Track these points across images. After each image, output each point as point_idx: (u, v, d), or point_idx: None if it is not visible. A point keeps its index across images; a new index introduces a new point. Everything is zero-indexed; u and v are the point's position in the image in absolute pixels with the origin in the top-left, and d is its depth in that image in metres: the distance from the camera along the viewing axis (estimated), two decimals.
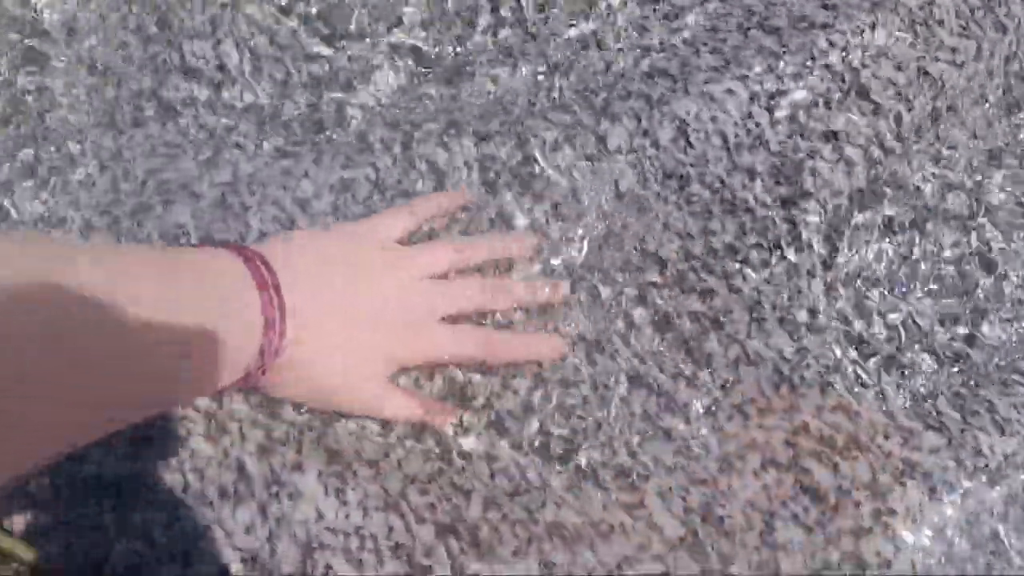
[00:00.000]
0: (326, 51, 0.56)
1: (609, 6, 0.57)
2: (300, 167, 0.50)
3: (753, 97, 0.51)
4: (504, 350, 0.44)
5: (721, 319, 0.47)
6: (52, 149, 0.53)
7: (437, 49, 0.57)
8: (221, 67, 0.53)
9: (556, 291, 0.46)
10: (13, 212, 0.50)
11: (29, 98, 0.56)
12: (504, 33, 0.57)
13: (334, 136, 0.53)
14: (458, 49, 0.56)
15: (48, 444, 0.30)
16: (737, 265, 0.49)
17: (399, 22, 0.57)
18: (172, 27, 0.55)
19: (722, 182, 0.51)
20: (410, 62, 0.56)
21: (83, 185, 0.52)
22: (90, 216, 0.51)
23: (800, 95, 0.51)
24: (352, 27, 0.56)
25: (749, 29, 0.54)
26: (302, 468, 0.42)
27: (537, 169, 0.50)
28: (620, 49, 0.56)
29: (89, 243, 0.46)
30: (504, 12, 0.58)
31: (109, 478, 0.40)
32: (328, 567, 0.40)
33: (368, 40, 0.56)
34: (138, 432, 0.41)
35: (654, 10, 0.57)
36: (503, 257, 0.46)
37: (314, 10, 0.56)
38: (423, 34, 0.57)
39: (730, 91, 0.51)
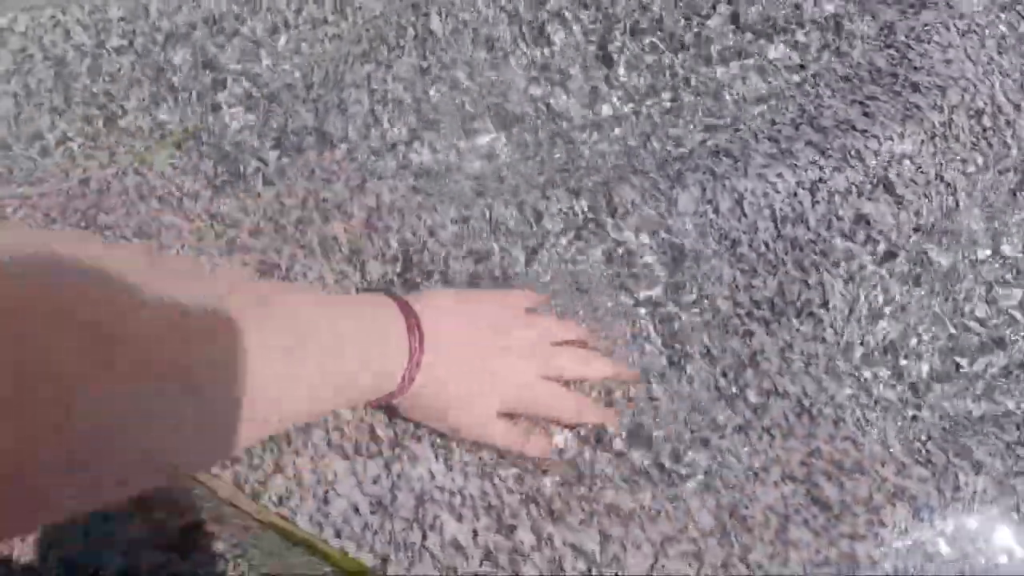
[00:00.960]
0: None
1: (688, 90, 0.70)
2: (430, 202, 0.63)
3: (799, 182, 0.63)
4: (587, 416, 0.55)
5: (757, 357, 0.59)
6: (231, 165, 0.66)
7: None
8: (372, 112, 0.66)
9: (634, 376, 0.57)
10: None
11: (211, 118, 0.69)
12: (605, 109, 0.69)
13: (457, 180, 0.65)
14: (563, 124, 0.69)
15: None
16: (774, 316, 0.60)
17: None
18: (335, 77, 0.68)
19: (767, 246, 0.62)
20: (526, 136, 0.69)
21: (250, 195, 0.65)
22: (258, 220, 0.63)
23: (838, 183, 0.63)
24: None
25: (800, 125, 0.66)
26: (419, 437, 0.54)
27: (615, 221, 0.62)
28: (693, 127, 0.69)
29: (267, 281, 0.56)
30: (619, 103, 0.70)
31: None
32: (436, 517, 0.51)
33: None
34: None
35: (728, 97, 0.69)
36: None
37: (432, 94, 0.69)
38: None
39: (781, 175, 0.63)
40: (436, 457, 0.54)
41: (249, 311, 0.34)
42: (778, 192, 0.63)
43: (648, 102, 0.70)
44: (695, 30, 0.72)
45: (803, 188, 0.63)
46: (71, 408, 0.25)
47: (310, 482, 0.52)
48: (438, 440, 0.54)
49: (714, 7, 0.73)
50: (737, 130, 0.68)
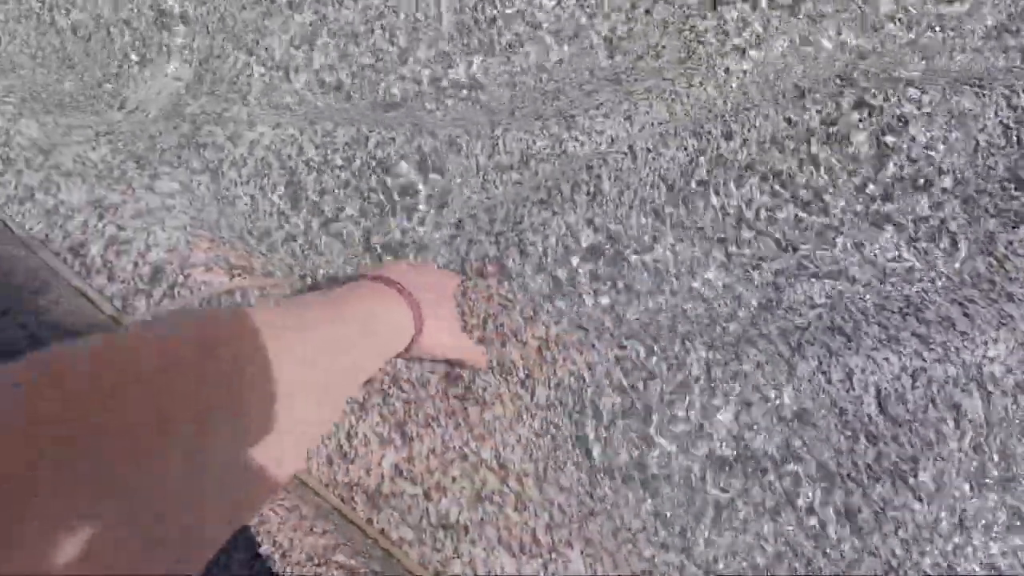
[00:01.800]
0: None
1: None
2: (588, 339, 0.75)
3: (903, 368, 0.74)
4: None
5: (856, 516, 0.69)
6: None
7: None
8: (546, 253, 0.80)
9: None
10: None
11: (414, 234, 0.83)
12: (735, 274, 0.82)
13: (593, 315, 0.78)
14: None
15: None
16: (870, 480, 0.71)
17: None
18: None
19: (870, 419, 0.73)
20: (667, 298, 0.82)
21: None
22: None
23: (937, 374, 0.73)
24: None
25: (907, 315, 0.77)
26: (570, 543, 0.65)
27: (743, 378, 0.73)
28: (810, 301, 0.81)
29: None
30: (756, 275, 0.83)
31: None
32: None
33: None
34: None
35: (843, 279, 0.81)
36: None
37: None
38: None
39: (887, 359, 0.74)
40: (586, 567, 0.65)
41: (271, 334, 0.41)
42: (884, 373, 0.74)
43: (772, 271, 0.83)
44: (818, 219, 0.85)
45: (906, 373, 0.74)
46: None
47: (482, 571, 0.63)
48: (586, 549, 0.65)
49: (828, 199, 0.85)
50: (849, 310, 0.79)
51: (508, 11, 0.98)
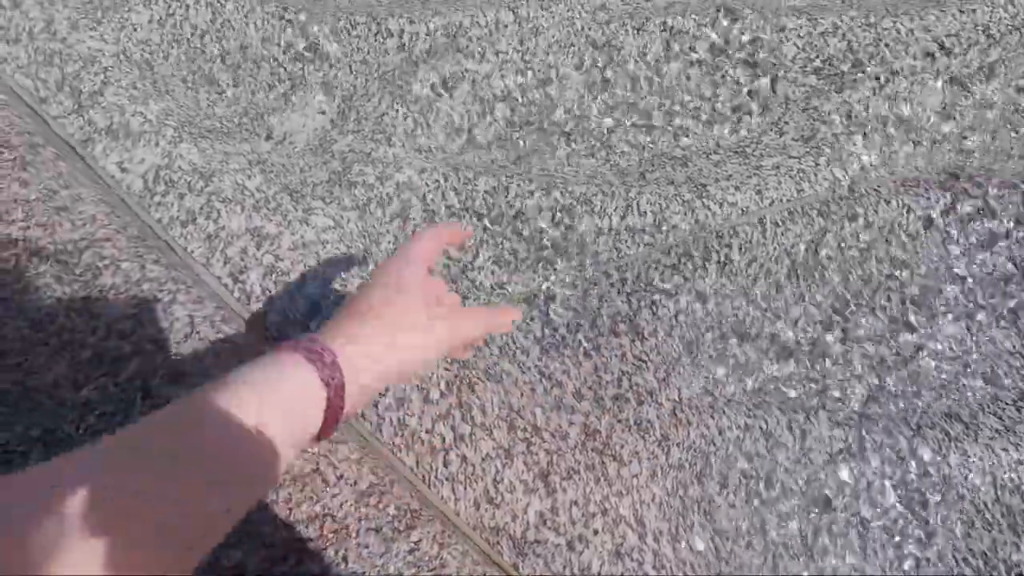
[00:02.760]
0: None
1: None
2: (718, 404, 0.78)
3: (1020, 460, 0.77)
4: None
5: None
6: (554, 331, 0.83)
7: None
8: (676, 318, 0.83)
9: None
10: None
11: (544, 286, 0.87)
12: (857, 356, 0.86)
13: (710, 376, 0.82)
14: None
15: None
16: (987, 568, 0.73)
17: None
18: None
19: (986, 506, 0.76)
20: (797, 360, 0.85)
21: (573, 362, 0.82)
22: (579, 386, 0.80)
23: None
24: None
25: (1022, 408, 0.81)
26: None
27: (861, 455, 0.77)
28: (928, 387, 0.84)
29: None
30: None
31: None
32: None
33: None
34: None
35: (963, 368, 0.85)
36: None
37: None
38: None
39: (1006, 449, 0.77)
40: None
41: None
42: (1002, 464, 0.77)
43: (889, 348, 0.86)
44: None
45: (1022, 465, 0.77)
46: None
47: None
48: None
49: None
50: (965, 398, 0.83)
51: (637, 88, 1.02)
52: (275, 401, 0.44)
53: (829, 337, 0.86)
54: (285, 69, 1.04)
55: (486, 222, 0.90)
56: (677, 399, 0.79)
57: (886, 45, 1.04)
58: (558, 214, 0.90)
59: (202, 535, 0.39)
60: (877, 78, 1.02)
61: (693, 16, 1.07)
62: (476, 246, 0.89)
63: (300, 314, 0.78)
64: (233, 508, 0.40)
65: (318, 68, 1.03)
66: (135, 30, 1.01)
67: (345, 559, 0.57)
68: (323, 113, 0.99)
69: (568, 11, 1.07)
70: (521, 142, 0.99)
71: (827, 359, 0.85)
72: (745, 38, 1.06)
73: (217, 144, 0.92)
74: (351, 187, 0.89)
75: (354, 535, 0.58)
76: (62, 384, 0.62)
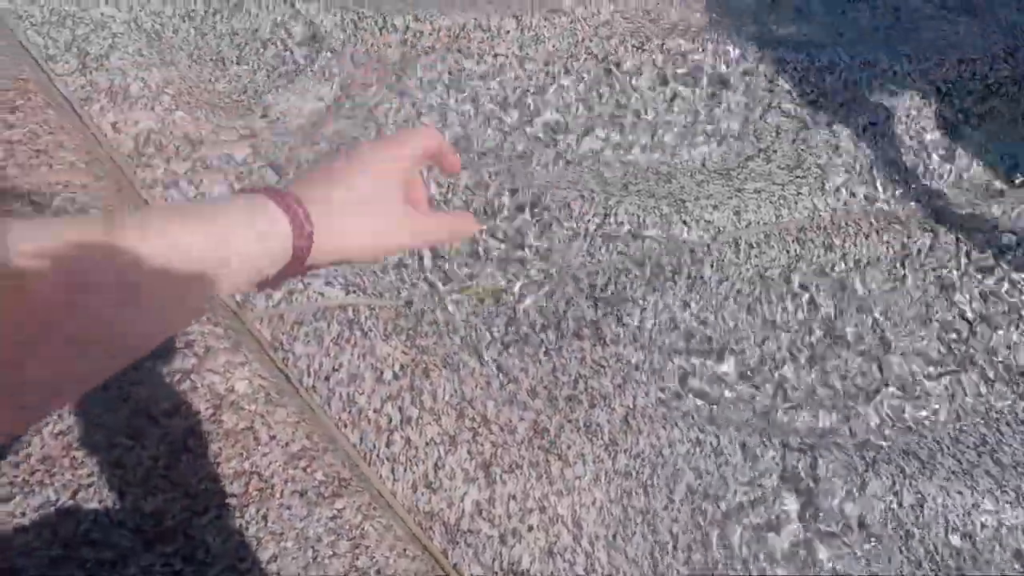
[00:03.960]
0: None
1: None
2: (672, 416, 0.78)
3: (975, 504, 0.75)
4: None
5: None
6: (518, 328, 0.83)
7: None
8: (643, 325, 0.83)
9: None
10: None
11: (516, 287, 0.87)
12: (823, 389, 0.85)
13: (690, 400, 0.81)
14: None
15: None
16: None
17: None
18: None
19: (936, 549, 0.74)
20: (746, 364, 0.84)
21: (533, 360, 0.82)
22: (535, 385, 0.79)
23: (1007, 518, 0.75)
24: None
25: (983, 453, 0.79)
26: None
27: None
28: (891, 425, 0.83)
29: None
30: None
31: None
32: None
33: None
34: None
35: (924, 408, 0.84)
36: None
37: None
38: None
39: (960, 492, 0.76)
40: None
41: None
42: (955, 506, 0.75)
43: (856, 385, 0.85)
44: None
45: (976, 510, 0.75)
46: None
47: None
48: None
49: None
50: (924, 437, 0.81)
51: (631, 103, 1.04)
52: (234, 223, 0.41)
53: (793, 365, 0.85)
54: (292, 53, 1.07)
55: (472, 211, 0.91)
56: (631, 406, 0.78)
57: (880, 85, 1.05)
58: (536, 215, 0.91)
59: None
60: (873, 123, 1.03)
61: (692, 40, 1.08)
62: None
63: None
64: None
65: (321, 55, 1.06)
66: (149, 1, 1.04)
67: (265, 518, 0.57)
68: (321, 100, 1.02)
69: (571, 23, 1.09)
70: (509, 144, 1.00)
71: (788, 386, 0.84)
72: (740, 69, 1.08)
73: (212, 116, 0.94)
74: None
75: (278, 495, 0.58)
76: None
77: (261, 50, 1.06)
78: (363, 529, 0.59)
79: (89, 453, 0.58)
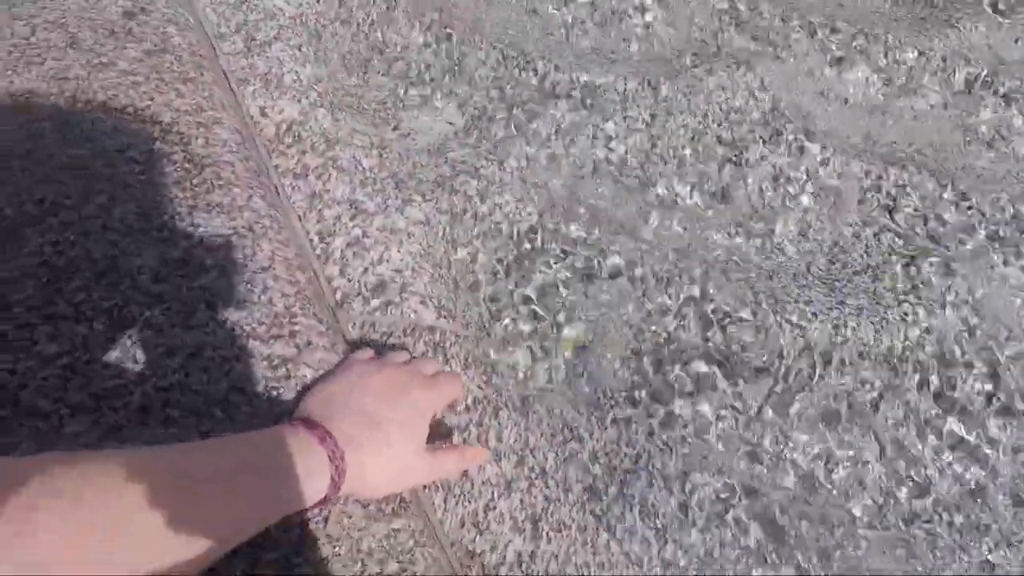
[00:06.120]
0: None
1: None
2: None
3: None
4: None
5: None
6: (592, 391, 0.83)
7: None
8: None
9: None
10: None
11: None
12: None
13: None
14: None
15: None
16: None
17: None
18: None
19: None
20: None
21: (599, 425, 0.82)
22: (598, 451, 0.79)
23: None
24: None
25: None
26: None
27: None
28: None
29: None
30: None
31: None
32: None
33: None
34: None
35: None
36: None
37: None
38: None
39: None
40: None
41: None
42: None
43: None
44: None
45: None
46: None
47: None
48: None
49: None
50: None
51: (746, 190, 1.04)
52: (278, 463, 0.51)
53: (879, 498, 0.82)
54: (431, 75, 1.12)
55: (562, 266, 0.93)
56: (687, 495, 0.77)
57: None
58: (630, 279, 0.91)
59: None
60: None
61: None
62: (549, 285, 0.92)
63: (367, 289, 0.82)
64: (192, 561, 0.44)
65: (460, 83, 1.10)
66: (318, 1, 1.11)
67: (326, 520, 0.59)
68: (451, 124, 1.06)
69: (706, 103, 1.11)
70: (620, 206, 1.02)
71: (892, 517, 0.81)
72: (863, 185, 1.07)
73: (350, 119, 0.99)
74: (452, 194, 0.94)
75: (342, 501, 0.59)
76: (145, 272, 0.67)
77: (405, 67, 1.11)
78: (413, 555, 0.60)
79: (183, 415, 0.61)
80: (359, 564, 0.58)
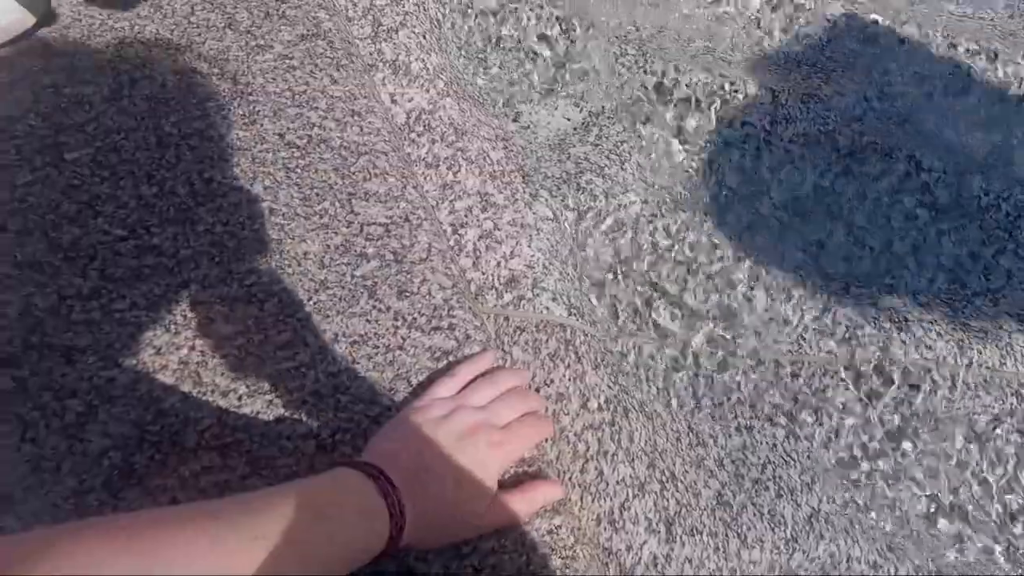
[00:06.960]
0: None
1: None
2: None
3: None
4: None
5: None
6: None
7: None
8: None
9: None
10: None
11: None
12: None
13: None
14: None
15: None
16: None
17: None
18: None
19: None
20: None
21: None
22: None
23: None
24: None
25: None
26: None
27: None
28: None
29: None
30: None
31: None
32: None
33: None
34: None
35: None
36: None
37: None
38: None
39: None
40: None
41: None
42: None
43: None
44: None
45: None
46: None
47: None
48: None
49: None
50: None
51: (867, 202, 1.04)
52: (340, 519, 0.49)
53: (995, 517, 0.82)
54: (548, 70, 1.12)
55: (687, 267, 0.93)
56: (815, 508, 0.78)
57: None
58: (751, 287, 0.92)
59: None
60: None
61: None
62: (671, 290, 0.92)
63: (500, 283, 0.83)
64: None
65: (572, 82, 1.10)
66: None
67: None
68: (568, 120, 1.06)
69: (826, 110, 1.10)
70: (737, 212, 1.02)
71: (966, 536, 0.81)
72: (982, 203, 1.05)
73: (474, 110, 0.99)
74: (578, 191, 0.94)
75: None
76: (310, 258, 0.68)
77: (521, 60, 1.11)
78: (574, 551, 0.61)
79: (352, 402, 0.62)
80: (523, 557, 0.60)
